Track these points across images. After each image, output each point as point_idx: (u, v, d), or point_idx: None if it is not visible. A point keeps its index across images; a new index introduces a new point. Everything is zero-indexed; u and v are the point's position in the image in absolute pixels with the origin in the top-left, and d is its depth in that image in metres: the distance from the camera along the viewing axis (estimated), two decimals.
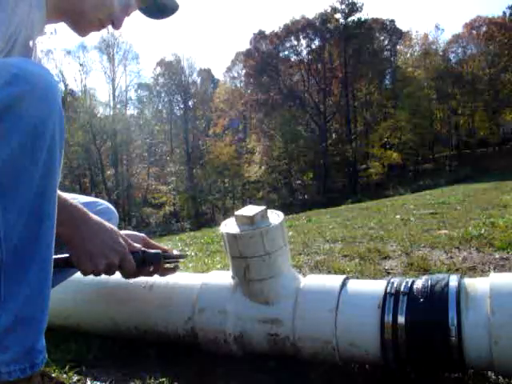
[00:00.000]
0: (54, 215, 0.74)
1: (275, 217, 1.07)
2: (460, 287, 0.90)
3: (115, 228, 0.94)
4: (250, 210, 1.04)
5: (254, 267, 1.01)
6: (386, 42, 34.17)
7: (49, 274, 0.73)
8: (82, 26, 0.97)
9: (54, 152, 0.71)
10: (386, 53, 33.77)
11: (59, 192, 0.82)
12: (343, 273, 1.83)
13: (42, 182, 0.70)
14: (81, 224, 0.86)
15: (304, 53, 33.11)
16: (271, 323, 1.01)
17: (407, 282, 0.95)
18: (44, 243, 0.72)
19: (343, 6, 31.43)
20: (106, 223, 0.92)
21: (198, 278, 1.17)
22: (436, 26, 40.49)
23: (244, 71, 35.47)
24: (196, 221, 26.93)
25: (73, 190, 22.55)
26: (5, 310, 0.68)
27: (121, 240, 0.92)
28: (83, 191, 26.43)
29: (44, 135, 0.69)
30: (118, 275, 1.28)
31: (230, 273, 1.11)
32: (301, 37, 32.69)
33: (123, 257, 0.91)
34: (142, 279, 1.21)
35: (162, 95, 37.03)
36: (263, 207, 1.05)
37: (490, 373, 0.93)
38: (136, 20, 1.16)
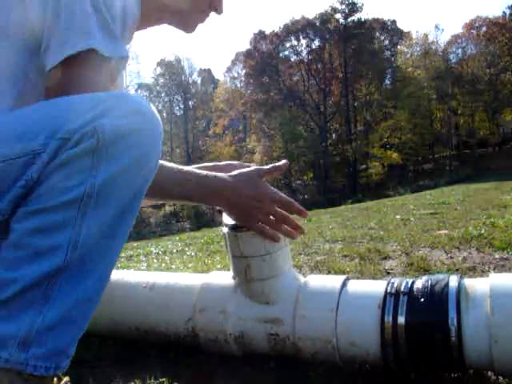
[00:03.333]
0: (126, 237, 0.79)
1: None
2: (460, 287, 0.90)
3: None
4: None
5: (254, 267, 1.01)
6: (387, 42, 34.18)
7: (102, 288, 0.77)
8: (186, 22, 1.01)
9: (146, 184, 0.77)
10: (386, 53, 33.77)
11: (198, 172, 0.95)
12: (343, 273, 1.83)
13: (128, 205, 0.75)
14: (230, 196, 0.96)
15: (304, 53, 33.15)
16: (272, 323, 1.01)
17: (407, 282, 0.95)
18: (109, 260, 0.76)
19: (343, 6, 31.46)
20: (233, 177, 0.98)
21: (199, 278, 1.17)
22: (436, 26, 40.51)
23: (244, 71, 35.48)
24: (196, 221, 26.91)
25: None
26: (53, 308, 0.70)
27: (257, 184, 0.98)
28: None
29: (145, 167, 0.75)
30: (117, 275, 1.28)
31: (230, 273, 1.11)
32: (301, 37, 32.70)
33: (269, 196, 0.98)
34: (142, 279, 1.21)
35: (162, 95, 37.08)
36: None
37: (489, 373, 0.93)
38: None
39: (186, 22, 1.02)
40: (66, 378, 0.90)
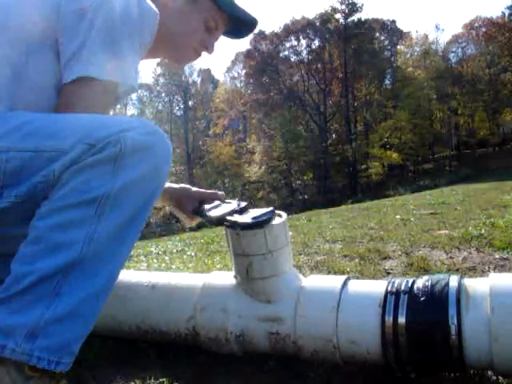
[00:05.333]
0: (134, 242, 0.86)
1: (278, 216, 1.07)
2: (460, 287, 0.90)
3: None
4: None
5: (256, 265, 1.01)
6: (387, 42, 34.18)
7: (110, 288, 0.82)
8: (178, 55, 1.17)
9: (155, 194, 0.86)
10: (386, 53, 33.76)
11: None
12: (343, 273, 1.83)
13: (139, 212, 0.83)
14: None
15: (304, 53, 33.15)
16: (272, 321, 1.02)
17: (408, 282, 0.95)
18: (118, 261, 0.83)
19: (343, 6, 31.45)
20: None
21: (200, 277, 1.17)
22: (436, 27, 40.55)
23: (244, 71, 35.48)
24: None
25: None
26: (62, 301, 0.75)
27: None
28: None
29: (157, 178, 0.85)
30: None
31: (231, 273, 1.11)
32: (301, 37, 32.70)
33: None
34: (143, 279, 1.21)
35: (162, 95, 37.06)
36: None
37: (489, 372, 0.93)
38: None
39: (180, 56, 1.17)
40: (64, 381, 0.90)
